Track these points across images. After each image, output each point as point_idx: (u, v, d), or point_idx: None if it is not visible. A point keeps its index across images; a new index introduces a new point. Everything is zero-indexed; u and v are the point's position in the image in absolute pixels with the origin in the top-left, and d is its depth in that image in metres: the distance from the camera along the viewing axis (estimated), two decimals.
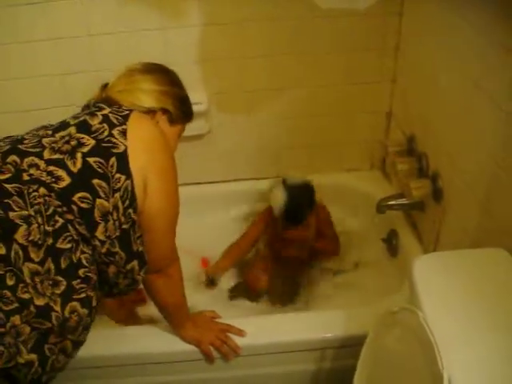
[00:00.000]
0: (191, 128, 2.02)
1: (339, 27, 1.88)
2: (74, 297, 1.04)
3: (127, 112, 1.18)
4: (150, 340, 1.50)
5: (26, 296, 0.98)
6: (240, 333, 1.48)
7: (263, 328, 1.52)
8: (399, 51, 1.93)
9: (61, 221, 1.03)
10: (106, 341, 1.49)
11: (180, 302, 1.41)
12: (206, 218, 2.20)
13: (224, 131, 2.10)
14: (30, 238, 0.99)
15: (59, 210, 1.03)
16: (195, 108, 1.92)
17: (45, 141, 1.10)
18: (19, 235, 0.98)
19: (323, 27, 1.88)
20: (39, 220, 1.01)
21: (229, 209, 2.22)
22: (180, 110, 1.39)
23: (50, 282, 1.01)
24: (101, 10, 1.79)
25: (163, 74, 1.38)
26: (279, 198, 1.84)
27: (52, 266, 1.01)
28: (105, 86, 1.33)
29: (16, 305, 0.96)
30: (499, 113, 1.21)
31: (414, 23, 1.78)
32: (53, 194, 1.03)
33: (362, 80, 2.01)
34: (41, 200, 1.02)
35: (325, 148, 2.19)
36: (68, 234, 1.04)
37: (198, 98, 1.97)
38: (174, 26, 1.85)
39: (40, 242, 1.00)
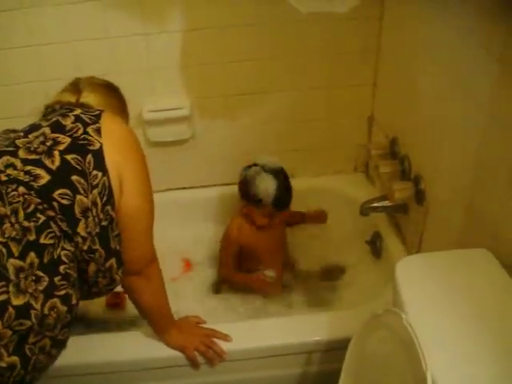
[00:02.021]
0: (174, 133, 2.03)
1: (320, 31, 1.89)
2: (55, 293, 1.04)
3: (98, 112, 1.20)
4: (134, 346, 1.49)
5: (3, 297, 0.96)
6: (225, 338, 1.48)
7: (248, 333, 1.52)
8: (380, 55, 1.94)
9: (42, 218, 1.03)
10: (89, 348, 1.48)
11: (162, 304, 1.41)
12: (190, 223, 2.19)
13: (207, 136, 2.10)
14: (6, 235, 0.99)
15: (40, 207, 1.04)
16: (177, 113, 1.92)
17: (18, 142, 1.11)
18: None
19: (304, 31, 1.89)
20: (12, 219, 1.00)
21: (212, 214, 2.22)
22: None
23: (33, 278, 1.00)
24: (83, 15, 1.79)
25: (121, 94, 1.44)
26: (270, 185, 1.78)
27: (36, 261, 1.01)
28: (77, 91, 1.34)
29: None
30: (481, 115, 1.22)
31: (395, 27, 1.79)
32: (32, 192, 1.04)
33: (344, 84, 2.02)
34: (20, 199, 1.02)
35: (308, 152, 2.19)
36: (50, 230, 1.04)
37: (181, 103, 1.98)
38: (156, 32, 1.85)
39: (18, 237, 1.00)
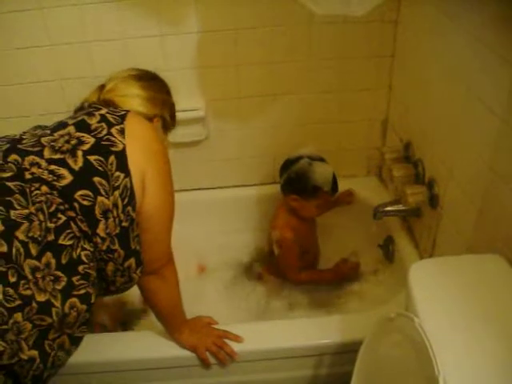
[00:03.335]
0: (188, 134, 2.04)
1: (335, 34, 1.89)
2: (74, 293, 1.05)
3: (124, 112, 1.20)
4: (145, 345, 1.50)
5: (28, 292, 0.98)
6: (237, 338, 1.48)
7: (260, 334, 1.52)
8: (395, 58, 1.94)
9: (63, 218, 1.05)
10: (101, 346, 1.49)
11: (176, 304, 1.41)
12: (203, 223, 2.20)
13: (221, 137, 2.11)
14: (30, 235, 1.00)
15: (61, 207, 1.05)
16: (193, 114, 1.93)
17: (43, 140, 1.11)
18: (20, 232, 0.99)
19: (319, 34, 1.89)
20: (41, 217, 1.02)
21: (226, 215, 2.22)
22: (172, 119, 1.44)
23: (52, 278, 1.02)
24: (99, 16, 1.80)
25: (159, 82, 1.42)
26: (326, 172, 1.83)
27: (53, 261, 1.02)
28: (101, 88, 1.35)
29: (19, 302, 0.97)
30: (495, 120, 1.22)
31: (410, 31, 1.79)
32: (55, 192, 1.05)
33: (359, 87, 2.02)
34: (43, 198, 1.03)
35: (321, 154, 2.19)
36: (70, 230, 1.05)
37: (196, 105, 1.98)
38: (171, 33, 1.86)
39: (40, 239, 1.01)
